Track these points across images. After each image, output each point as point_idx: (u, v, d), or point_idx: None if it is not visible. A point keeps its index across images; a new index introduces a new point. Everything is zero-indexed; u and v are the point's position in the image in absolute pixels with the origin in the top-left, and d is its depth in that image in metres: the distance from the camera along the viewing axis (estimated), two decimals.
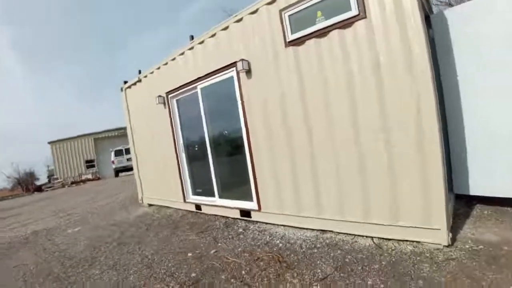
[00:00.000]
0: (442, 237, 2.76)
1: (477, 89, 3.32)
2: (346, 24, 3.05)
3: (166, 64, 5.62)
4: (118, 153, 22.30)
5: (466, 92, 3.41)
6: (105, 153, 25.81)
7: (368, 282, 2.45)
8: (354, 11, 2.96)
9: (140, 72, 6.61)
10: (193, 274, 3.12)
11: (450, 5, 12.14)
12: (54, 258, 4.43)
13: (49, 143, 27.99)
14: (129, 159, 22.16)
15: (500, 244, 2.71)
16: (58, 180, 25.42)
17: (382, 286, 2.38)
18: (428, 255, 2.72)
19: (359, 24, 2.97)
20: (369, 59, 2.96)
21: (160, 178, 6.43)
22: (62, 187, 21.22)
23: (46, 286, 3.46)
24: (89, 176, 25.78)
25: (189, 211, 5.76)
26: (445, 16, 3.47)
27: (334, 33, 3.16)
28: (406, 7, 2.70)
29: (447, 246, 2.78)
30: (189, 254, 3.71)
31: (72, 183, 22.85)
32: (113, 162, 22.23)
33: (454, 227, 3.15)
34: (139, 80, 6.58)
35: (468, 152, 3.47)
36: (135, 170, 7.53)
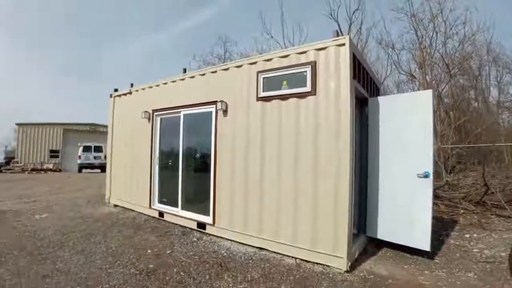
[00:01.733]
0: (343, 264, 3.74)
1: (389, 153, 4.51)
2: (302, 95, 4.15)
3: (158, 85, 6.50)
4: (87, 149, 22.25)
5: (384, 155, 4.58)
6: (72, 146, 25.47)
7: (281, 286, 3.37)
8: (308, 88, 4.08)
9: (132, 85, 7.42)
10: (151, 266, 3.88)
11: (413, 76, 14.02)
12: (25, 237, 4.98)
13: (17, 124, 27.34)
14: (96, 157, 22.20)
15: (387, 278, 3.70)
16: (19, 164, 24.68)
17: None
18: (331, 275, 3.68)
19: (310, 98, 4.07)
20: (312, 122, 4.06)
21: (131, 183, 7.08)
22: (22, 172, 20.73)
23: (20, 258, 4.05)
24: (50, 166, 25.24)
25: (152, 217, 6.44)
26: (378, 101, 4.67)
27: (293, 100, 4.24)
28: (343, 94, 3.84)
29: (347, 272, 3.75)
30: (149, 251, 4.45)
31: (32, 169, 22.32)
32: (79, 157, 22.09)
33: (359, 261, 4.16)
34: (130, 92, 7.37)
35: (379, 202, 4.58)
36: (107, 171, 8.12)
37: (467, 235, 5.52)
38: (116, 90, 7.99)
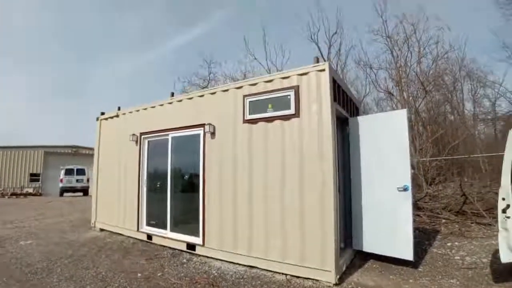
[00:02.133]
0: (331, 277, 3.88)
1: (370, 169, 4.75)
2: (286, 117, 4.39)
3: (145, 109, 6.62)
4: (69, 172, 21.68)
5: (365, 171, 4.83)
6: (53, 169, 24.79)
7: None
8: (292, 111, 4.33)
9: (119, 108, 7.49)
10: None
11: (390, 94, 14.63)
12: (12, 264, 4.89)
13: None
14: (78, 180, 21.68)
15: None
16: None
17: None
18: None
19: (294, 120, 4.32)
20: (297, 143, 4.29)
21: (118, 206, 6.99)
22: (2, 197, 19.98)
23: (9, 285, 3.99)
24: (30, 190, 24.43)
25: (141, 240, 6.39)
26: (357, 120, 4.96)
27: (278, 122, 4.48)
28: (325, 116, 4.10)
29: (336, 285, 3.89)
30: (139, 274, 4.45)
31: (12, 194, 21.55)
32: (61, 180, 21.53)
33: (347, 273, 4.32)
34: (117, 115, 7.43)
35: (363, 216, 4.79)
36: (93, 195, 8.02)
37: (449, 244, 5.76)
38: (102, 113, 8.02)
